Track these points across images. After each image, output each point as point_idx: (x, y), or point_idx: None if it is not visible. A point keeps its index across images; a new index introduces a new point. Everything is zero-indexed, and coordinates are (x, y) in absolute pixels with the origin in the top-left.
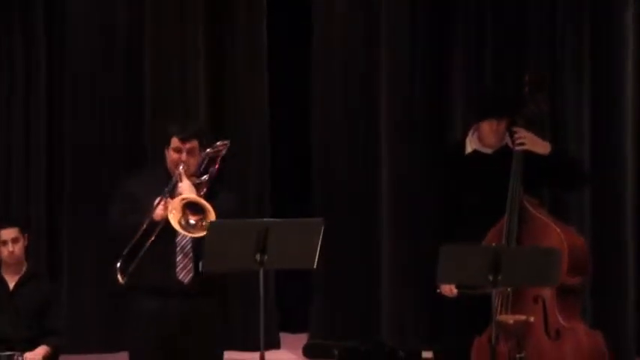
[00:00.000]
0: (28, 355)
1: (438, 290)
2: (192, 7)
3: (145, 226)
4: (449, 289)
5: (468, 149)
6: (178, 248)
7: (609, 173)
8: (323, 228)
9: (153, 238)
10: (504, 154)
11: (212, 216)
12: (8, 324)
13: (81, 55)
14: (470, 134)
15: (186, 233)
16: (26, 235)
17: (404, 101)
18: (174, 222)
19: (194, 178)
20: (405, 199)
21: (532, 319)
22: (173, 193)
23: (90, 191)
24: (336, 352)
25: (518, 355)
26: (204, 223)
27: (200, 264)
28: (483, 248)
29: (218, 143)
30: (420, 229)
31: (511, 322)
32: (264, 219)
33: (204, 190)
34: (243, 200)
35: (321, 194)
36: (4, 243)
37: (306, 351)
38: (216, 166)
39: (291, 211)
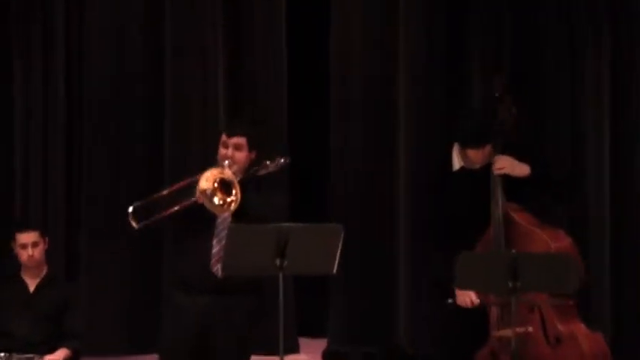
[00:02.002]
0: (48, 357)
1: (451, 300)
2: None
3: (177, 186)
4: (469, 300)
5: (456, 166)
6: (215, 239)
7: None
8: (343, 234)
9: (178, 207)
10: (490, 168)
11: (235, 204)
12: (28, 326)
13: (99, 67)
14: (454, 151)
15: (205, 203)
16: (46, 238)
17: (422, 102)
18: (201, 186)
19: (238, 174)
20: (423, 203)
21: (530, 328)
22: None
23: (109, 193)
24: (355, 358)
25: None
26: (225, 207)
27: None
28: (502, 254)
29: (280, 159)
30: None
31: (509, 334)
32: (285, 224)
33: (242, 185)
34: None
35: (338, 198)
36: (24, 247)
37: (325, 356)
38: (265, 173)
39: (308, 214)
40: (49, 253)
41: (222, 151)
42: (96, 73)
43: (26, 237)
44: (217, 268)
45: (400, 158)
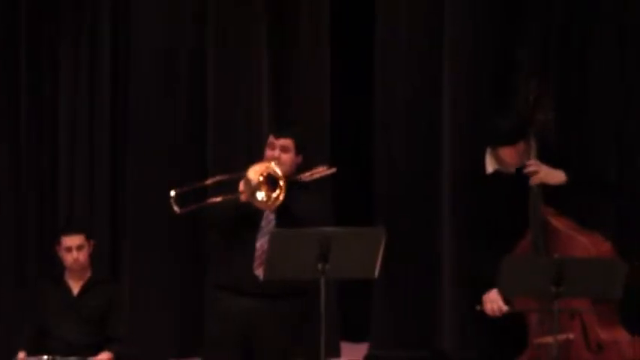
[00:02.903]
0: None
1: (478, 307)
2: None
3: (227, 177)
4: (497, 307)
5: (489, 169)
6: (258, 244)
7: None
8: (385, 237)
9: (219, 198)
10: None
11: (278, 201)
12: (72, 330)
13: (144, 62)
14: (488, 155)
15: (246, 191)
16: (91, 241)
17: (468, 101)
18: (248, 175)
19: (284, 177)
20: (467, 205)
21: (572, 335)
22: None
23: (153, 196)
24: None
25: None
26: (268, 203)
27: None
28: (546, 259)
29: (326, 168)
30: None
31: (551, 341)
32: (327, 228)
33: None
34: None
35: (382, 201)
36: (69, 250)
37: None
38: (310, 178)
39: (352, 217)
40: (93, 256)
41: (268, 152)
42: (141, 69)
43: (71, 240)
44: (260, 272)
45: (444, 160)
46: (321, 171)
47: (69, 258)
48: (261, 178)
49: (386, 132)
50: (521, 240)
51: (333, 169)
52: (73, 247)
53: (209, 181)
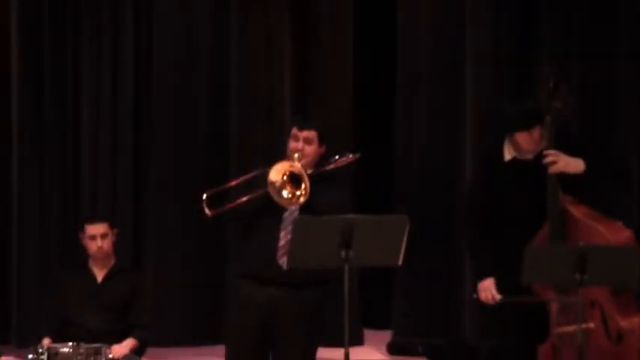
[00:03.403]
0: (115, 347)
1: (476, 296)
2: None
3: (249, 177)
4: (491, 296)
5: (507, 156)
6: (282, 232)
7: None
8: (408, 225)
9: (249, 197)
10: (543, 159)
11: (303, 197)
12: (96, 317)
13: (167, 55)
14: (506, 143)
15: (272, 195)
16: (115, 230)
17: (491, 89)
18: (270, 179)
19: (307, 168)
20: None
21: (592, 324)
22: None
23: (175, 186)
24: (420, 349)
25: None
26: (293, 200)
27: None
28: (570, 247)
29: (350, 155)
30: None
31: (571, 331)
32: (350, 215)
33: (312, 178)
34: None
35: (404, 189)
36: (93, 238)
37: (390, 348)
38: (333, 167)
39: (373, 209)
40: (116, 244)
41: (292, 144)
42: (163, 63)
43: (95, 228)
44: (283, 261)
45: (466, 149)
46: (346, 159)
47: (93, 246)
48: (284, 178)
49: (408, 122)
50: (541, 230)
51: (357, 155)
52: (97, 236)
53: (236, 182)
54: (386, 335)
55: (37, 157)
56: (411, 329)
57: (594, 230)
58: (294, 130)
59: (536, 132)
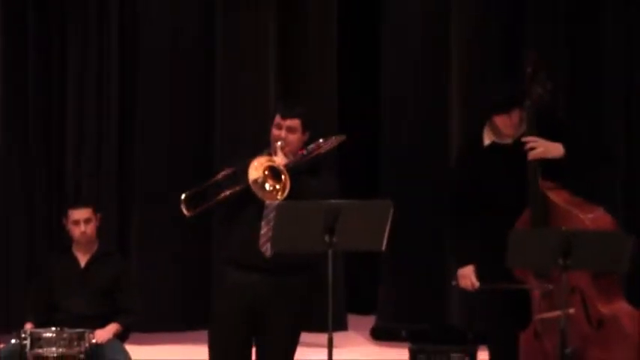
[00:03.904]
0: (98, 332)
1: (455, 283)
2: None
3: (226, 172)
4: (470, 283)
5: (486, 141)
6: (264, 221)
7: None
8: (392, 210)
9: (229, 192)
10: (523, 143)
11: (286, 189)
12: (80, 302)
13: (153, 37)
14: (485, 127)
15: (256, 192)
16: (98, 215)
17: (475, 78)
18: (251, 177)
19: (291, 155)
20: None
21: (572, 310)
22: None
23: (161, 171)
24: (404, 334)
25: (565, 351)
26: (277, 194)
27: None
28: (554, 232)
29: (333, 138)
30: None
31: (553, 317)
32: (334, 200)
33: (294, 165)
34: None
35: (389, 175)
36: (77, 223)
37: (374, 333)
38: (320, 152)
39: (359, 193)
40: (100, 229)
41: (275, 132)
42: (149, 46)
43: (79, 213)
44: (266, 248)
45: (451, 134)
46: (330, 143)
47: (76, 231)
48: (265, 172)
49: (394, 108)
50: (523, 215)
51: (342, 138)
52: (81, 221)
53: (216, 178)
54: (370, 320)
55: (21, 141)
56: (395, 314)
57: (574, 216)
58: (278, 119)
59: (515, 115)
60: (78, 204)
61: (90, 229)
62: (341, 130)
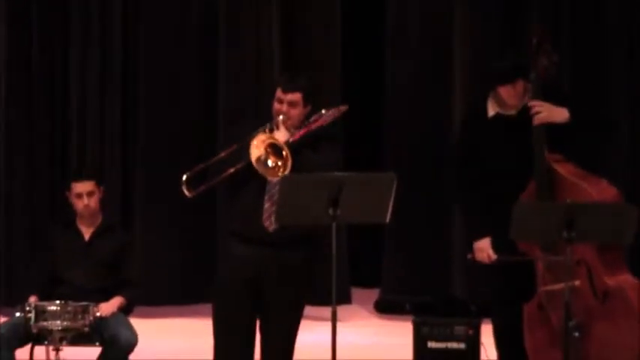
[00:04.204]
0: (103, 305)
1: (471, 256)
2: None
3: (228, 150)
4: (487, 256)
5: (490, 112)
6: (267, 195)
7: None
8: (396, 182)
9: (233, 170)
10: (527, 115)
11: (289, 164)
12: (84, 275)
13: (155, 11)
14: (489, 98)
15: (259, 170)
16: (101, 187)
17: (478, 50)
18: (253, 155)
19: (292, 130)
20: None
21: (578, 282)
22: None
23: (164, 143)
24: (408, 307)
25: (570, 323)
26: (279, 170)
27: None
28: (557, 204)
29: (335, 108)
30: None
31: (558, 289)
32: (337, 173)
33: (296, 140)
34: None
35: (392, 147)
36: (79, 196)
37: (378, 306)
38: (322, 124)
39: (362, 166)
40: (104, 202)
41: (276, 106)
42: (153, 23)
43: (82, 186)
44: (269, 223)
45: (455, 106)
46: (332, 114)
47: (79, 204)
48: (267, 150)
49: (396, 80)
50: (528, 187)
51: (344, 108)
52: (84, 194)
53: (218, 157)
54: (374, 293)
55: (24, 114)
56: (398, 287)
57: (580, 188)
58: (279, 93)
59: (519, 85)
60: (81, 177)
61: (93, 202)
62: (344, 101)
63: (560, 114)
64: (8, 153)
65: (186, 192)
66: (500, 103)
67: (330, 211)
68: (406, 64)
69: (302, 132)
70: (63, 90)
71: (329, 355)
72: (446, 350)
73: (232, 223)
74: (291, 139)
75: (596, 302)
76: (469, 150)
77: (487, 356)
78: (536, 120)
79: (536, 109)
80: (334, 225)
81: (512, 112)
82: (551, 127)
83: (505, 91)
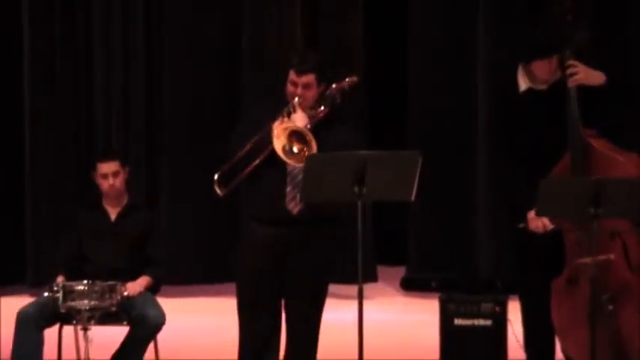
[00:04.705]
0: (130, 284)
1: (523, 225)
2: None
3: (251, 143)
4: (542, 225)
5: (522, 87)
6: (289, 178)
7: None
8: (421, 160)
9: (258, 161)
10: (558, 89)
11: (314, 147)
12: (111, 254)
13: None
14: (520, 73)
15: (287, 160)
16: (126, 168)
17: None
18: (277, 147)
19: (309, 111)
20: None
21: (612, 256)
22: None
23: (189, 124)
24: (433, 285)
25: (604, 296)
26: (306, 154)
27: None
28: (584, 180)
29: (346, 79)
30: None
31: (591, 262)
32: (362, 151)
33: (316, 121)
34: None
35: (417, 124)
36: (105, 176)
37: (404, 284)
38: (336, 101)
39: (386, 139)
40: (129, 182)
41: (291, 89)
42: (175, 13)
43: (107, 167)
44: (294, 204)
45: (479, 85)
46: (343, 85)
47: (105, 184)
48: (290, 137)
49: (421, 60)
50: (560, 161)
51: (354, 79)
52: (109, 174)
53: (243, 152)
54: (400, 271)
55: (49, 95)
56: (425, 265)
57: (616, 161)
58: (292, 76)
59: (554, 61)
60: (106, 157)
61: (119, 182)
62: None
63: (596, 76)
64: (34, 135)
65: (218, 191)
66: (530, 77)
67: (356, 189)
68: (431, 40)
69: (322, 114)
70: (89, 72)
71: (355, 332)
72: (472, 327)
73: (254, 208)
74: (311, 123)
75: (631, 275)
76: (507, 126)
77: (514, 333)
78: (573, 81)
79: (573, 69)
80: (360, 203)
81: (544, 87)
82: (583, 101)
83: (540, 66)
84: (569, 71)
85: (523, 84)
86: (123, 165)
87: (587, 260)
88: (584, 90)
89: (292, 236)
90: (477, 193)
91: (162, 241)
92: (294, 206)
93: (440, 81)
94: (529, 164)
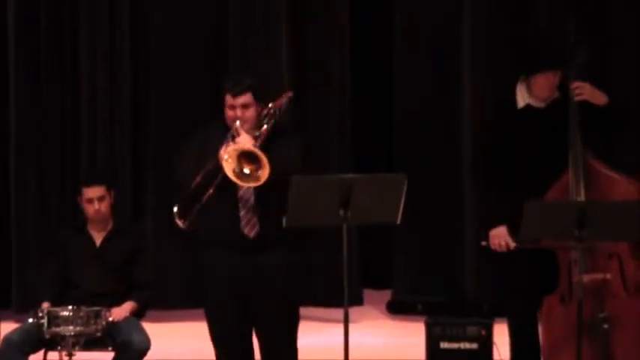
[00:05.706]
0: (115, 310)
1: (485, 243)
2: None
3: (203, 173)
4: (504, 243)
5: (520, 104)
6: (241, 204)
7: None
8: (406, 183)
9: (212, 189)
10: (557, 107)
11: (266, 166)
12: (96, 280)
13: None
14: (518, 88)
15: (240, 183)
16: (112, 192)
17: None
18: (228, 170)
19: (253, 131)
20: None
21: (608, 275)
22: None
23: (175, 142)
24: (419, 308)
25: (600, 315)
26: (259, 173)
27: (284, 219)
28: (569, 203)
29: (282, 96)
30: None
31: (586, 281)
32: (348, 175)
33: (262, 140)
34: (323, 150)
35: (403, 149)
36: (90, 201)
37: (390, 307)
38: (276, 117)
39: (372, 159)
40: (115, 207)
41: (229, 113)
42: (162, 22)
43: (92, 191)
44: (248, 229)
45: (465, 102)
46: (280, 102)
47: (90, 209)
48: (239, 159)
49: (406, 73)
50: (556, 184)
51: (290, 94)
52: (95, 199)
53: (198, 180)
54: (386, 295)
55: (34, 114)
56: (410, 288)
57: (615, 180)
58: (229, 100)
59: (557, 75)
60: (92, 182)
61: (104, 206)
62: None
63: (600, 96)
64: (19, 156)
65: (181, 224)
66: (530, 92)
67: (341, 213)
68: (415, 65)
69: (265, 131)
70: (74, 94)
71: (341, 356)
72: (458, 350)
73: (210, 234)
74: (257, 143)
75: (627, 295)
76: (495, 138)
77: (500, 356)
78: (577, 97)
79: (579, 90)
80: (345, 226)
81: (542, 104)
82: (583, 120)
83: (543, 79)
84: (575, 89)
85: (521, 100)
86: (109, 189)
87: (581, 278)
88: (585, 109)
89: (250, 260)
90: (463, 216)
91: (148, 263)
92: (249, 230)
93: (426, 104)
94: (521, 181)
